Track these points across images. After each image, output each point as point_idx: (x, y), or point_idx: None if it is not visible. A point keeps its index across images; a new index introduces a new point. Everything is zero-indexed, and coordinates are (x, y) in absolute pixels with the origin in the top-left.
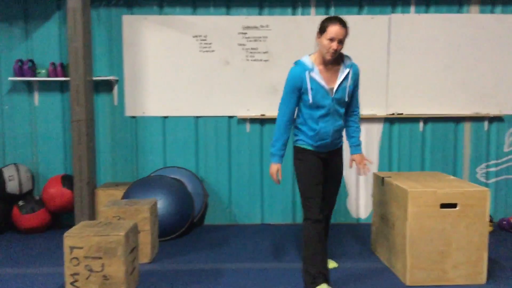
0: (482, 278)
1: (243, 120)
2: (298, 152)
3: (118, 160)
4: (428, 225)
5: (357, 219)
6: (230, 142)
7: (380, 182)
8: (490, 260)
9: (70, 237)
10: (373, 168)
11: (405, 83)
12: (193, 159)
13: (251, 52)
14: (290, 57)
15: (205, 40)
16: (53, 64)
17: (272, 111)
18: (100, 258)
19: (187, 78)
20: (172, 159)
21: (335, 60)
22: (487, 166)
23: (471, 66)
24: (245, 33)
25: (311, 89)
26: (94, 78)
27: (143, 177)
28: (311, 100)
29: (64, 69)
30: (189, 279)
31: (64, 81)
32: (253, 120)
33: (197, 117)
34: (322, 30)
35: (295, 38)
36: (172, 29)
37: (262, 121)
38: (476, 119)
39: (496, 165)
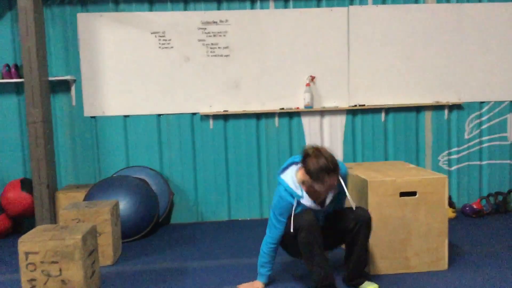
0: (444, 264)
1: (206, 117)
2: None
3: (79, 162)
4: (388, 214)
5: None
6: (194, 139)
7: None
8: (453, 246)
9: (25, 243)
10: (337, 159)
11: (366, 75)
12: (157, 158)
13: (211, 48)
14: (251, 52)
15: (163, 36)
16: (7, 65)
17: (234, 107)
18: (57, 262)
19: (147, 75)
20: (135, 158)
21: None
22: (449, 154)
23: (429, 55)
24: (205, 28)
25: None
26: (50, 78)
27: (105, 178)
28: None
29: (18, 70)
30: (153, 279)
31: (20, 82)
32: (216, 117)
33: (159, 115)
34: (316, 178)
35: (255, 32)
36: (129, 26)
37: (225, 117)
38: (437, 107)
39: (458, 152)
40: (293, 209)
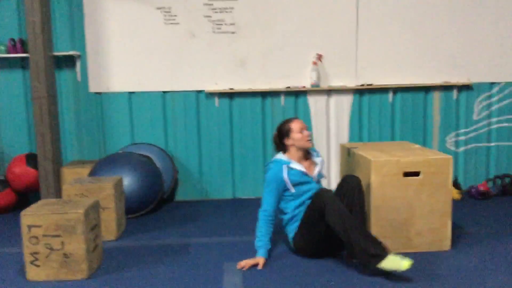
0: (446, 245)
1: (211, 95)
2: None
3: (84, 138)
4: (391, 194)
5: None
6: (199, 117)
7: (346, 153)
8: (457, 227)
9: (28, 216)
10: (344, 139)
11: (374, 54)
12: (161, 135)
13: (217, 24)
14: (258, 29)
15: (169, 12)
16: (12, 40)
17: (240, 85)
18: (59, 236)
19: (152, 52)
20: (140, 135)
21: (304, 154)
22: (457, 135)
23: (439, 34)
24: (211, 4)
25: (293, 182)
26: (55, 54)
27: (110, 154)
28: (293, 190)
29: (24, 45)
30: (156, 254)
31: (25, 57)
32: (221, 95)
33: (164, 92)
34: (287, 132)
35: (262, 9)
36: (135, 1)
37: (231, 95)
38: (445, 88)
39: (466, 133)
40: (286, 173)
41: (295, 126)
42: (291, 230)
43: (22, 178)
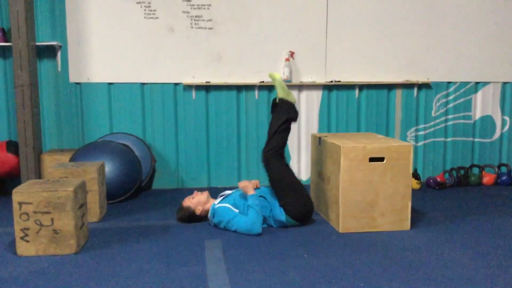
0: (407, 225)
1: (189, 87)
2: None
3: (63, 127)
4: (358, 177)
5: None
6: (176, 108)
7: (317, 142)
8: (416, 211)
9: (19, 193)
10: (314, 131)
11: (342, 52)
12: (140, 126)
13: (195, 20)
14: (234, 26)
15: (149, 7)
16: None
17: (216, 78)
18: (49, 212)
19: (132, 44)
20: (119, 125)
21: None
22: (416, 130)
23: (402, 35)
24: (189, 1)
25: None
26: (37, 44)
27: (90, 142)
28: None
29: (5, 35)
30: (138, 234)
31: (6, 46)
32: (198, 87)
33: (143, 83)
34: (192, 213)
35: (238, 6)
36: None
37: (207, 88)
38: (407, 86)
39: (425, 129)
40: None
41: (188, 203)
42: (280, 213)
43: (2, 165)
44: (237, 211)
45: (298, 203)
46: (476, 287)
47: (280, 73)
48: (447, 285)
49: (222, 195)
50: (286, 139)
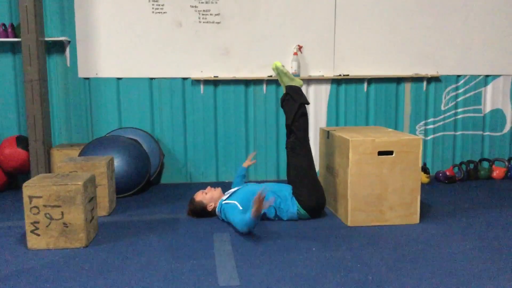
0: (416, 218)
1: (197, 82)
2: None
3: (72, 122)
4: (367, 171)
5: None
6: (184, 103)
7: (326, 135)
8: (425, 205)
9: (29, 187)
10: (322, 124)
11: (351, 46)
12: (148, 120)
13: (203, 14)
14: (242, 20)
15: (157, 1)
16: (4, 25)
17: (224, 73)
18: (59, 206)
19: (140, 39)
20: (127, 120)
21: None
22: (426, 124)
23: (411, 28)
24: None
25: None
26: (46, 39)
27: (99, 137)
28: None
29: (14, 30)
30: (148, 228)
31: (16, 42)
32: (206, 82)
33: (152, 78)
34: (204, 207)
35: (246, 1)
36: None
37: (215, 83)
38: (416, 79)
39: (434, 122)
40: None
41: (201, 197)
42: (292, 203)
43: (13, 159)
44: (241, 208)
45: (312, 195)
46: (485, 281)
47: (288, 67)
48: (456, 279)
49: (229, 193)
50: (307, 123)
